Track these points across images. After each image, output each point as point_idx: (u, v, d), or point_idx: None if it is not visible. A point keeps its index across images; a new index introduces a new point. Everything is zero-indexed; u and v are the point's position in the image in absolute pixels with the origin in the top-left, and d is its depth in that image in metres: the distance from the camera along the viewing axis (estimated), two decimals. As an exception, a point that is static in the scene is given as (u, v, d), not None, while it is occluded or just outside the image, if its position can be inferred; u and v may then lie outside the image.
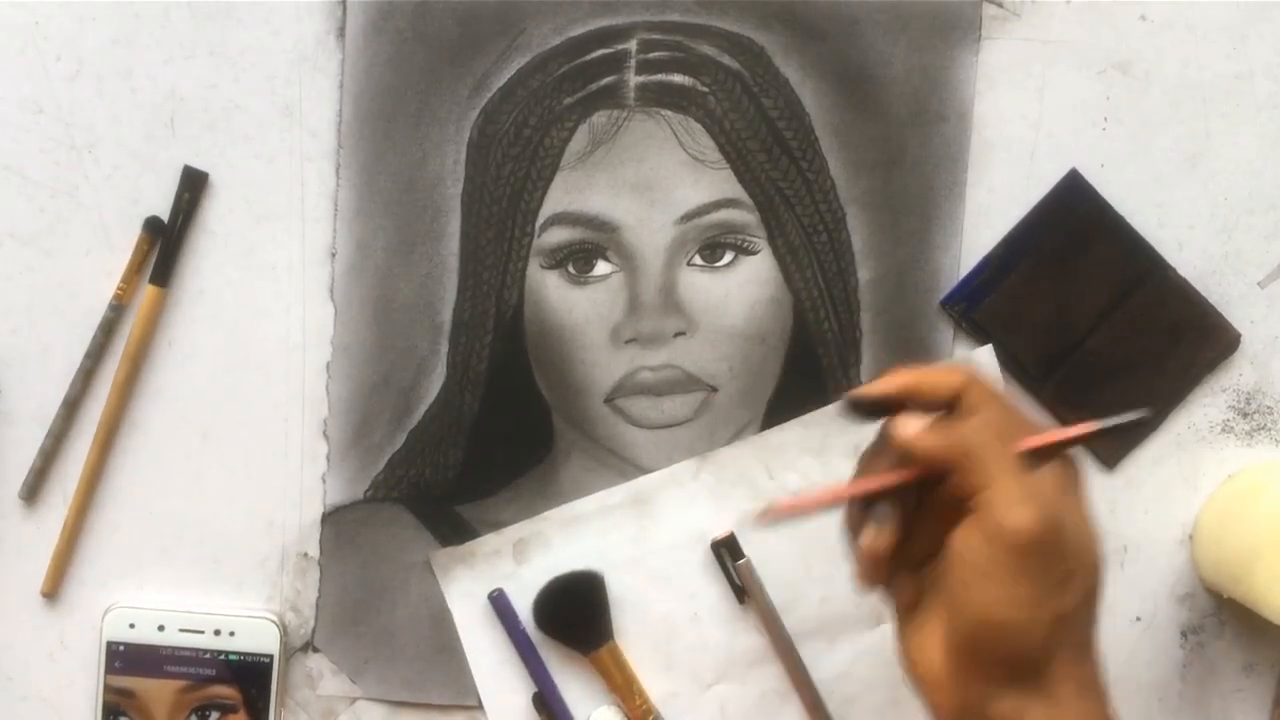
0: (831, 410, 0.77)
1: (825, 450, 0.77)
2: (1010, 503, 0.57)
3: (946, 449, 0.59)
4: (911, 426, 0.60)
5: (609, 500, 0.78)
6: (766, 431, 0.77)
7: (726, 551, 0.77)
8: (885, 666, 0.73)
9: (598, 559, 0.78)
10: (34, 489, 0.77)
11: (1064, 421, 0.77)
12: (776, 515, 0.61)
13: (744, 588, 0.77)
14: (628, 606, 0.78)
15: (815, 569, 0.77)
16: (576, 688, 0.78)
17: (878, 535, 0.61)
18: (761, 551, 0.77)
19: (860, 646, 0.78)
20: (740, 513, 0.77)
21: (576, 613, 0.78)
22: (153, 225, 0.76)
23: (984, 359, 0.77)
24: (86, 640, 0.78)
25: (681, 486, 0.78)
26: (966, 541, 0.59)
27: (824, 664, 0.78)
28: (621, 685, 0.78)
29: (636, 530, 0.78)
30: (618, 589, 0.78)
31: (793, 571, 0.78)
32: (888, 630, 0.74)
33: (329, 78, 0.76)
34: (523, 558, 0.78)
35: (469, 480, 0.78)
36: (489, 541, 0.78)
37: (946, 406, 0.61)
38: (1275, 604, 0.71)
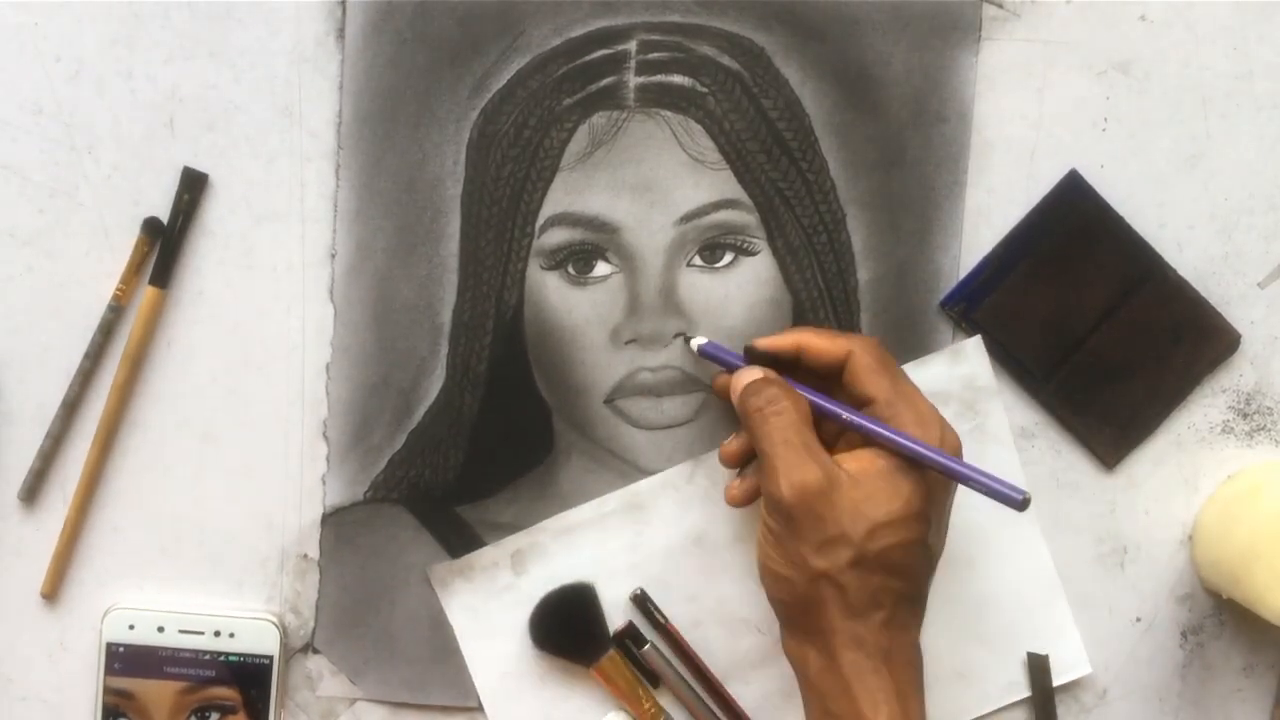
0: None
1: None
2: (775, 473, 0.67)
3: (739, 408, 0.71)
4: (744, 377, 0.71)
5: (604, 507, 0.78)
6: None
7: (630, 642, 0.78)
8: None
9: (596, 567, 0.78)
10: (33, 490, 0.77)
11: (1064, 423, 0.77)
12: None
13: (654, 673, 0.78)
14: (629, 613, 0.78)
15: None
16: (582, 697, 0.79)
17: (730, 441, 0.74)
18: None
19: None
20: (731, 515, 0.78)
21: (572, 627, 0.78)
22: (152, 226, 0.76)
23: (972, 351, 0.77)
24: (86, 641, 0.78)
25: (677, 490, 0.78)
26: (763, 498, 0.69)
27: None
28: (627, 693, 0.78)
29: (633, 536, 0.78)
30: (617, 595, 0.78)
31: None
32: None
33: (329, 78, 0.76)
34: (521, 569, 0.78)
35: (469, 481, 0.78)
36: (486, 554, 0.78)
37: (837, 368, 0.71)
38: (1274, 604, 0.71)
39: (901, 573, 0.67)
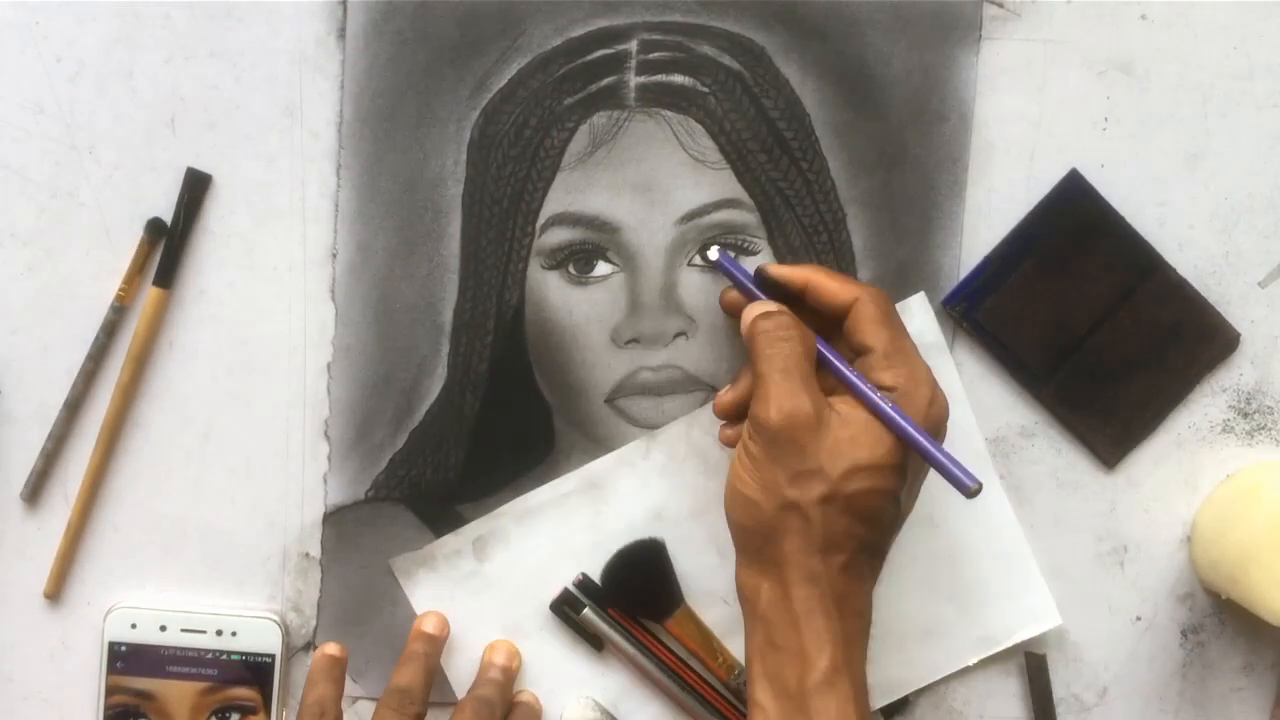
0: None
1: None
2: (767, 397, 0.67)
3: (748, 328, 0.71)
4: (759, 307, 0.72)
5: (562, 488, 0.78)
6: (711, 404, 0.77)
7: (568, 608, 0.78)
8: None
9: (557, 547, 0.78)
10: (35, 490, 0.77)
11: (1065, 422, 0.78)
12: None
13: (597, 637, 0.78)
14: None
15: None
16: (553, 680, 0.79)
17: (726, 392, 0.74)
18: (718, 522, 0.77)
19: None
20: (691, 488, 0.78)
21: (647, 581, 0.78)
22: (155, 227, 0.76)
23: (917, 308, 0.77)
24: (88, 640, 0.78)
25: (633, 467, 0.78)
26: (749, 421, 0.69)
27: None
28: (702, 645, 0.78)
29: (592, 515, 0.78)
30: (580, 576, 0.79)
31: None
32: None
33: (329, 78, 0.76)
34: (484, 555, 0.78)
35: (470, 480, 0.78)
36: (448, 543, 0.78)
37: (840, 313, 0.71)
38: (1271, 605, 0.71)
39: (869, 520, 0.67)
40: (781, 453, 0.67)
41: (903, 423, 0.67)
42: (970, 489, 0.66)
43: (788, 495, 0.67)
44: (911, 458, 0.68)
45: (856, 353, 0.71)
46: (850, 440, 0.67)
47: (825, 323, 0.72)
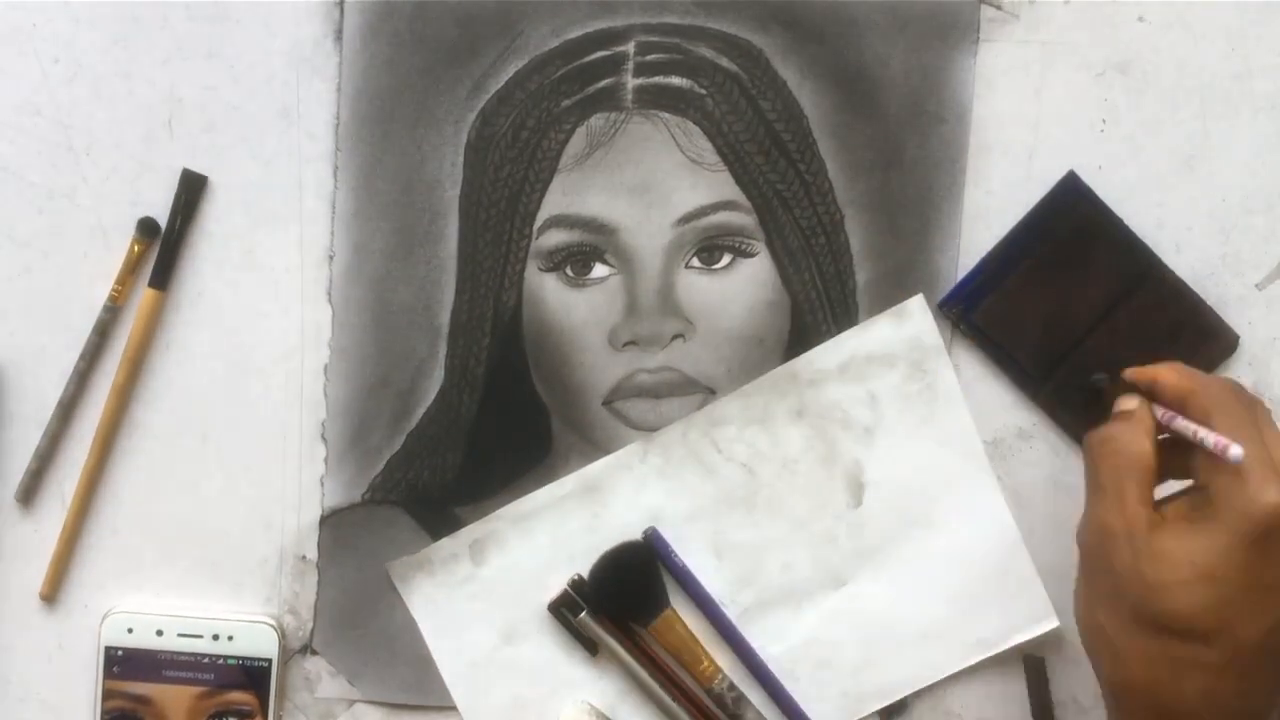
0: (769, 379, 0.77)
1: (769, 419, 0.77)
2: (1086, 509, 0.65)
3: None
4: (1122, 404, 0.69)
5: (559, 491, 0.78)
6: (708, 407, 0.77)
7: (566, 610, 0.77)
8: (853, 627, 0.73)
9: (555, 551, 0.78)
10: (30, 491, 0.77)
11: (1062, 424, 0.77)
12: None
13: (593, 641, 0.78)
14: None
15: (771, 533, 0.77)
16: (551, 684, 0.78)
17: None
18: (714, 524, 0.77)
19: (825, 609, 0.78)
20: (688, 491, 0.77)
21: (631, 585, 0.77)
22: (149, 227, 0.76)
23: (916, 310, 0.77)
24: (84, 643, 0.78)
25: (630, 470, 0.78)
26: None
27: (792, 632, 0.78)
28: (684, 651, 0.77)
29: (589, 518, 0.78)
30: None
31: (751, 540, 0.77)
32: (852, 591, 0.77)
33: (327, 80, 0.76)
34: (480, 559, 0.78)
35: (467, 482, 0.78)
36: (444, 546, 0.78)
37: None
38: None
39: (1181, 637, 0.62)
40: (1088, 570, 0.66)
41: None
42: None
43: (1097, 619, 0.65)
44: (1233, 559, 0.61)
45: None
46: (1153, 557, 0.62)
47: None
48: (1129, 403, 0.68)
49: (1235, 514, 0.61)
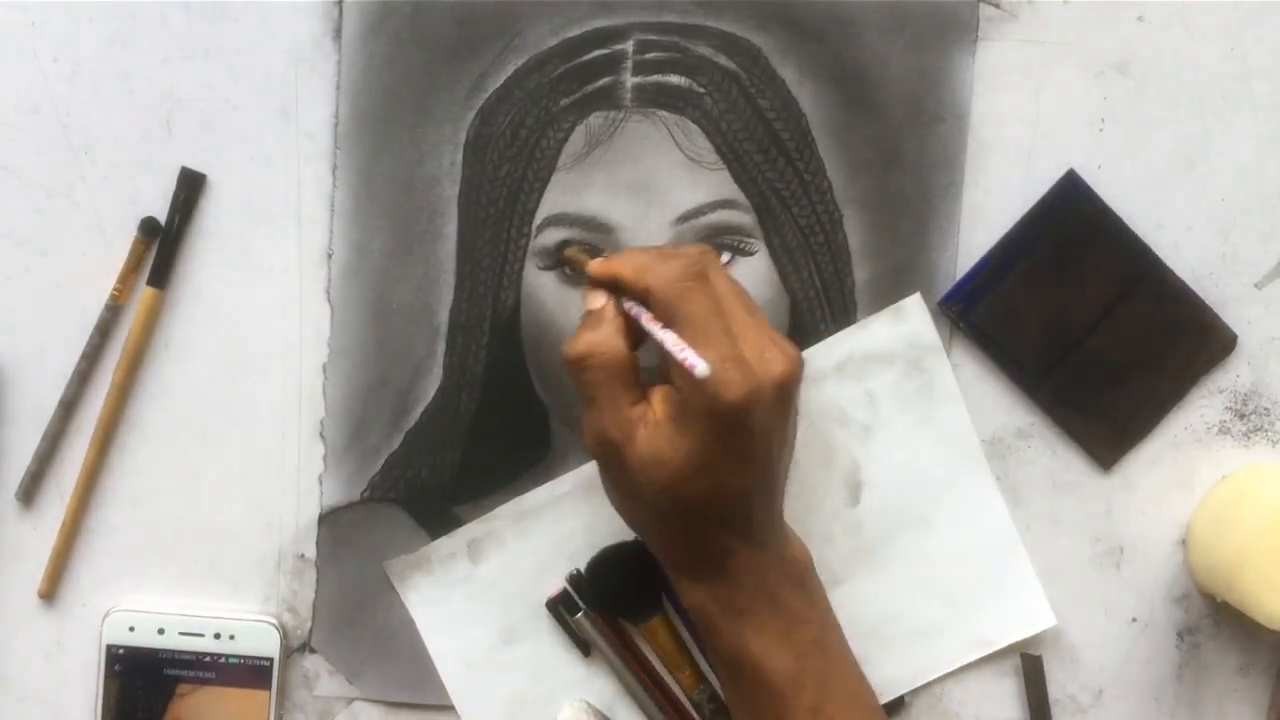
0: None
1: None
2: (584, 421, 0.68)
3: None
4: (588, 302, 0.70)
5: (557, 490, 0.78)
6: None
7: (564, 609, 0.77)
8: (850, 625, 0.73)
9: (553, 550, 0.78)
10: (30, 490, 0.77)
11: (1061, 423, 0.77)
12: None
13: (586, 641, 0.78)
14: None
15: None
16: (549, 684, 0.79)
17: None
18: None
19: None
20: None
21: (626, 584, 0.77)
22: (149, 226, 0.76)
23: (913, 309, 0.77)
24: (84, 642, 0.78)
25: None
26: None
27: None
28: (674, 654, 0.77)
29: (590, 516, 0.78)
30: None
31: None
32: (849, 590, 0.78)
33: (325, 79, 0.76)
34: (478, 558, 0.78)
35: (466, 481, 0.78)
36: (442, 545, 0.78)
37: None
38: (1265, 609, 0.71)
39: (702, 519, 0.67)
40: (608, 475, 0.70)
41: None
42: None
43: (633, 513, 0.71)
44: (722, 441, 0.65)
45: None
46: (654, 457, 0.66)
47: None
48: (596, 300, 0.69)
49: (705, 413, 0.64)
